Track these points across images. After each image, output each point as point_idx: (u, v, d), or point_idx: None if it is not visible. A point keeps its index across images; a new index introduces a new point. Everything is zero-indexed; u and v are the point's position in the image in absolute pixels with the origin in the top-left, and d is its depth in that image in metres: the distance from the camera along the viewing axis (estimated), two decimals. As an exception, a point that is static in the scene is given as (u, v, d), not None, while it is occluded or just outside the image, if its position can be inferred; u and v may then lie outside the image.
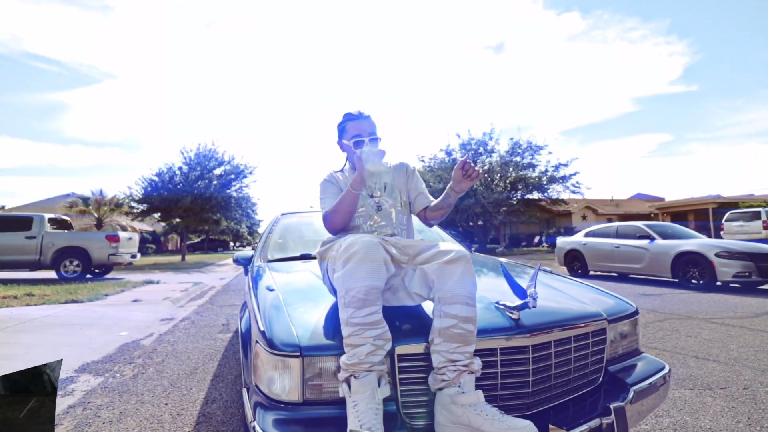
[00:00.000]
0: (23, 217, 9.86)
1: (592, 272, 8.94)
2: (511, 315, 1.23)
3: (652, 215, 28.08)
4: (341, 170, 1.70)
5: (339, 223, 1.49)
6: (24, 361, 3.04)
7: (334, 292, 1.31)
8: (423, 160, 23.83)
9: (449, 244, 1.29)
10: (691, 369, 2.63)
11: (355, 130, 1.56)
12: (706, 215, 23.01)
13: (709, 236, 19.52)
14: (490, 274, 1.89)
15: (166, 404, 2.24)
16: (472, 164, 1.39)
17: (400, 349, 1.13)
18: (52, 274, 9.74)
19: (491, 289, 1.49)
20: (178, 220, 20.18)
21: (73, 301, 5.83)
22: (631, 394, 1.27)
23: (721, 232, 15.01)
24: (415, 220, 1.75)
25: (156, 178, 19.21)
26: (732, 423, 1.88)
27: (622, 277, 8.34)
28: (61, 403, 2.26)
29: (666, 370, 1.47)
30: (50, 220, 10.04)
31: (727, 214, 15.30)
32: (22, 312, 5.02)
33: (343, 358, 1.07)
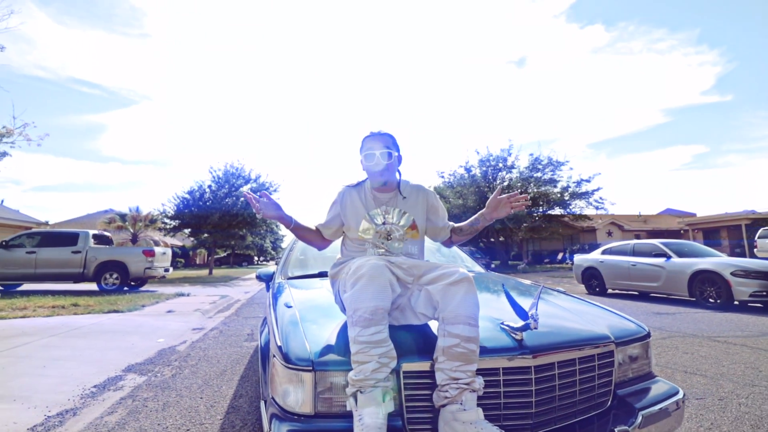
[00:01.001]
0: (70, 234, 10.74)
1: (610, 290, 8.87)
2: (514, 336, 1.25)
3: (682, 231, 27.11)
4: (358, 185, 1.68)
5: (313, 246, 1.72)
6: (79, 360, 3.52)
7: (345, 310, 1.34)
8: (443, 176, 24.07)
9: (453, 266, 1.34)
10: (675, 381, 2.80)
11: (368, 147, 1.58)
12: (739, 232, 22.10)
13: (743, 254, 18.76)
14: (498, 294, 1.89)
15: (201, 398, 2.63)
16: (518, 193, 1.51)
17: (406, 366, 1.19)
18: (93, 286, 10.52)
19: (497, 309, 1.53)
20: (206, 235, 21.13)
21: (115, 311, 6.40)
22: (639, 419, 1.25)
23: (755, 249, 14.45)
24: (428, 240, 1.78)
25: (188, 196, 20.18)
26: (694, 427, 2.08)
27: (642, 296, 8.24)
28: (114, 396, 2.68)
29: (680, 395, 1.43)
30: (94, 236, 10.89)
31: (759, 231, 14.74)
32: (71, 320, 5.60)
33: (350, 374, 1.13)
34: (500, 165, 21.82)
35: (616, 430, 1.20)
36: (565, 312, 1.61)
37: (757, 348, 3.75)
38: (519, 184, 20.81)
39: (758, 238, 14.44)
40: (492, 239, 23.18)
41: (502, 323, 1.32)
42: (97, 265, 10.24)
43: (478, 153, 22.44)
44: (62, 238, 10.59)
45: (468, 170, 22.71)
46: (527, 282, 2.27)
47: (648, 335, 1.54)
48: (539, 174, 20.99)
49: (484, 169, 21.92)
